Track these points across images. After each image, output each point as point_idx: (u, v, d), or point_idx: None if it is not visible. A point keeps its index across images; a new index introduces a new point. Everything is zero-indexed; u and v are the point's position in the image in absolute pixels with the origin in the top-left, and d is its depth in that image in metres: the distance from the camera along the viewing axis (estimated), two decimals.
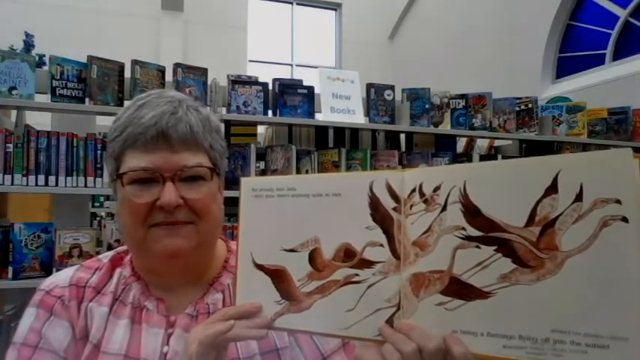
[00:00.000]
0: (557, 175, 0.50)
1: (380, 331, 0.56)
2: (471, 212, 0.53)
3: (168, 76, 2.48)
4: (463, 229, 0.54)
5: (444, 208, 0.55)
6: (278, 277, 0.63)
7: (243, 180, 0.66)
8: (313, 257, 0.61)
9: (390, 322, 0.57)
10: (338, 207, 0.60)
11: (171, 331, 0.72)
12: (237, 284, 0.65)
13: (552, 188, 0.50)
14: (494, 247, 0.52)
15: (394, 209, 0.57)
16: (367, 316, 0.58)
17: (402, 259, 0.57)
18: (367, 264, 0.58)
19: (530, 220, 0.51)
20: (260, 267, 0.63)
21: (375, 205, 0.58)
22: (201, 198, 0.70)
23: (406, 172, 0.58)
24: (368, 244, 0.59)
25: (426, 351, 0.52)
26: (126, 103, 0.75)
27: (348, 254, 0.60)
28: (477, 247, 0.53)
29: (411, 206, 0.57)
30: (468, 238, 0.53)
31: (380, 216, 0.58)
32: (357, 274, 0.59)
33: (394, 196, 0.58)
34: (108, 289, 0.75)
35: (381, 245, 0.58)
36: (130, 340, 0.71)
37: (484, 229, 0.53)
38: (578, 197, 0.49)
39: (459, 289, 0.53)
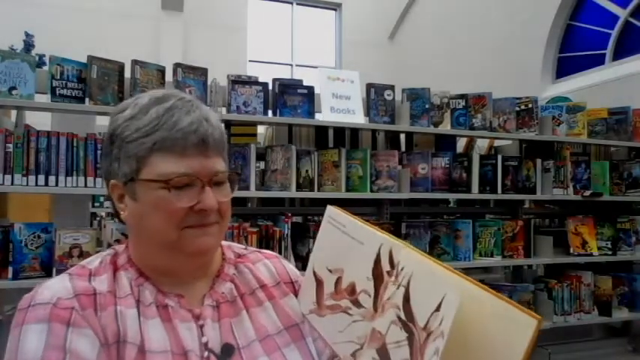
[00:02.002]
0: (442, 298, 0.57)
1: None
2: (405, 298, 0.63)
3: (169, 76, 2.48)
4: (399, 308, 0.64)
5: (399, 286, 0.66)
6: (318, 286, 0.81)
7: (328, 207, 0.83)
8: (337, 282, 0.78)
9: (353, 355, 0.71)
10: (359, 252, 0.74)
11: (201, 322, 0.76)
12: (302, 282, 0.87)
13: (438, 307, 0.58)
14: (407, 335, 0.61)
15: (387, 272, 0.69)
16: (346, 342, 0.73)
17: (378, 312, 0.69)
18: (358, 305, 0.73)
19: (424, 326, 0.59)
20: (314, 274, 0.82)
21: (377, 262, 0.71)
22: (227, 201, 0.77)
23: (407, 248, 0.67)
24: (362, 291, 0.72)
25: None
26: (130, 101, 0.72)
27: (352, 291, 0.75)
28: (401, 328, 0.63)
29: (397, 275, 0.68)
30: (399, 317, 0.64)
31: (377, 272, 0.71)
32: (351, 308, 0.74)
33: (391, 262, 0.69)
34: (124, 291, 0.74)
35: (370, 295, 0.71)
36: (170, 337, 0.72)
37: (407, 316, 0.62)
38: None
39: (385, 355, 0.65)
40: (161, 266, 0.77)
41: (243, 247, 0.92)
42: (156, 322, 0.73)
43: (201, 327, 0.75)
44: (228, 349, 0.75)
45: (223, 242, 0.89)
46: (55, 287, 0.71)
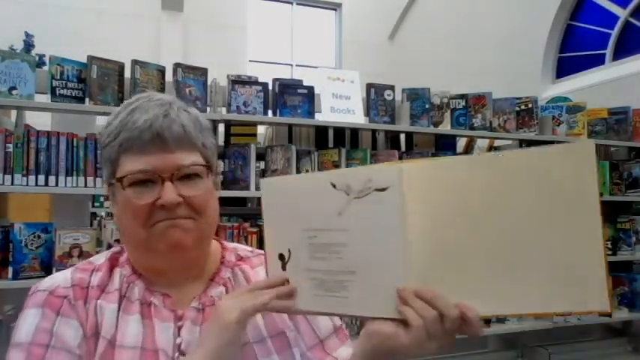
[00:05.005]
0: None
1: (400, 295, 0.63)
2: None
3: (168, 76, 2.47)
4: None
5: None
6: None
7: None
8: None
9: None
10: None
11: (180, 324, 0.76)
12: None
13: None
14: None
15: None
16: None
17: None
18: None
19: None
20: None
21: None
22: (199, 195, 0.74)
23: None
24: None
25: (450, 318, 0.61)
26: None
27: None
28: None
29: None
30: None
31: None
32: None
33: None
34: (112, 287, 0.77)
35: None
36: (144, 334, 0.74)
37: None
38: None
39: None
40: (148, 265, 0.78)
41: (250, 249, 0.90)
42: (135, 318, 0.74)
43: (180, 328, 0.75)
44: None
45: (230, 244, 0.88)
46: (58, 277, 0.78)
